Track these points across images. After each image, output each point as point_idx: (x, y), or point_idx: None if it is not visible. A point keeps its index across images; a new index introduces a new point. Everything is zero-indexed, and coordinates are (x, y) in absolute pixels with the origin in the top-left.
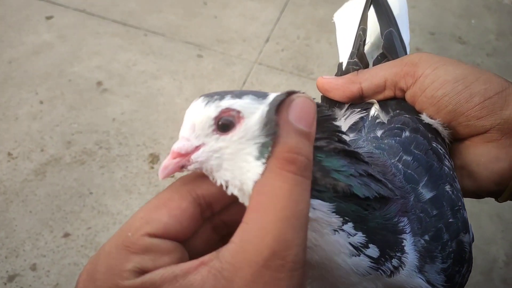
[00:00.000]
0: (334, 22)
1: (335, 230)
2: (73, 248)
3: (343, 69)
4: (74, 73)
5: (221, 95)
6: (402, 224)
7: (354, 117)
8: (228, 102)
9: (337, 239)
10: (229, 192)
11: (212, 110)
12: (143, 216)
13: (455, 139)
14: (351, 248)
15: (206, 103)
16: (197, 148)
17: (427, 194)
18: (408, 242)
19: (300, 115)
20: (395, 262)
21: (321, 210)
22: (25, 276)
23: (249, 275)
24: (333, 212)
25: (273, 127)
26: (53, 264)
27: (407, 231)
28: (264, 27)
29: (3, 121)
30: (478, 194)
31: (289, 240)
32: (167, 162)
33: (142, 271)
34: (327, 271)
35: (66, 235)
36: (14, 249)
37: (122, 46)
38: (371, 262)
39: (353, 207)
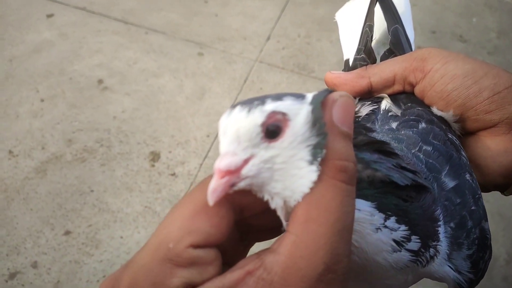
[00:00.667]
0: (336, 21)
1: (377, 228)
2: (74, 246)
3: (350, 65)
4: (75, 71)
5: (260, 99)
6: (437, 212)
7: (365, 109)
8: (272, 106)
9: (379, 237)
10: (273, 205)
11: (258, 116)
12: (182, 226)
13: (463, 133)
14: (394, 244)
15: (248, 110)
16: (245, 161)
17: (450, 183)
18: (441, 230)
19: (344, 116)
20: (431, 251)
21: (365, 210)
22: (26, 273)
23: None
24: (375, 209)
25: (322, 125)
26: (54, 262)
27: (441, 219)
28: (265, 26)
29: (4, 119)
30: (485, 187)
31: (340, 254)
32: (215, 184)
33: (190, 286)
34: (364, 270)
35: (67, 232)
36: (15, 246)
37: (123, 44)
38: (412, 255)
39: (394, 200)
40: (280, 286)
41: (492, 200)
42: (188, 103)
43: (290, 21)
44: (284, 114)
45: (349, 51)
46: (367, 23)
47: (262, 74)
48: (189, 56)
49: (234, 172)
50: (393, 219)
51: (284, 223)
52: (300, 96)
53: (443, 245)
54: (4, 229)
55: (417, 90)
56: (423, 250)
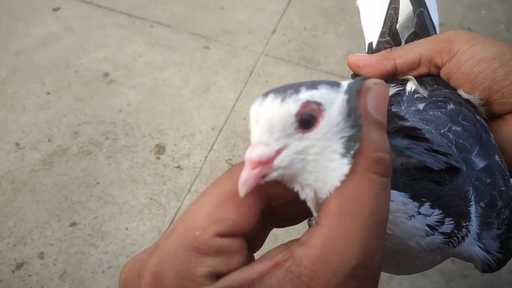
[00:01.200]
0: (357, 5)
1: (411, 216)
2: (80, 237)
3: (374, 48)
4: (81, 64)
5: (294, 88)
6: (469, 193)
7: (391, 91)
8: (306, 95)
9: (413, 224)
10: (303, 196)
11: (292, 105)
12: (209, 214)
13: (489, 117)
14: (427, 229)
15: (282, 99)
16: (278, 152)
17: (480, 163)
18: (472, 210)
19: (378, 104)
20: (463, 231)
21: (398, 200)
22: (33, 264)
23: (334, 284)
24: (408, 198)
25: (357, 116)
26: (60, 253)
27: (472, 199)
28: (271, 18)
29: (11, 112)
30: (509, 171)
31: (374, 249)
32: (246, 174)
33: (216, 275)
34: (397, 253)
35: (73, 224)
36: (22, 237)
37: (128, 38)
38: (445, 238)
39: (428, 185)
40: (309, 280)
41: None
42: (193, 96)
43: (296, 14)
44: (318, 103)
45: (373, 34)
46: (392, 5)
47: (268, 67)
48: (195, 49)
49: (266, 163)
50: (427, 205)
51: (314, 214)
52: (335, 85)
53: (473, 224)
54: (11, 220)
55: (443, 72)
56: (456, 231)
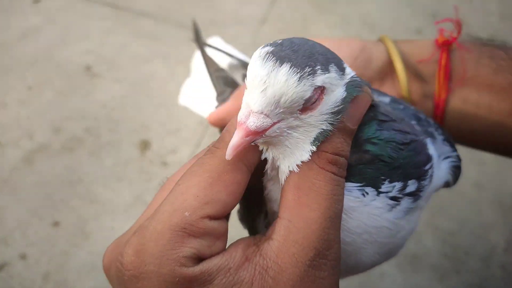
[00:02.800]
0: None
1: (371, 200)
2: (63, 237)
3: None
4: (63, 57)
5: (310, 64)
6: (425, 139)
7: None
8: (321, 79)
9: (374, 204)
10: (271, 168)
11: (308, 89)
12: (200, 195)
13: None
14: (391, 202)
15: (299, 78)
16: (273, 124)
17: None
18: (428, 142)
19: (354, 113)
20: (429, 171)
21: (354, 192)
22: (15, 265)
23: (296, 275)
24: (364, 187)
25: (341, 119)
26: (43, 253)
27: (428, 142)
28: (260, 9)
29: None
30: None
31: (331, 240)
32: (238, 140)
33: (198, 258)
34: (370, 235)
35: (56, 223)
36: (3, 238)
37: (112, 30)
38: (411, 197)
39: (384, 168)
40: (275, 273)
41: (491, 188)
42: (180, 90)
43: (286, 4)
44: (324, 89)
45: (210, 104)
46: (212, 69)
47: None
48: (181, 42)
49: (260, 133)
50: (386, 183)
51: (268, 171)
52: (341, 69)
53: (434, 155)
54: None
55: None
56: (422, 182)
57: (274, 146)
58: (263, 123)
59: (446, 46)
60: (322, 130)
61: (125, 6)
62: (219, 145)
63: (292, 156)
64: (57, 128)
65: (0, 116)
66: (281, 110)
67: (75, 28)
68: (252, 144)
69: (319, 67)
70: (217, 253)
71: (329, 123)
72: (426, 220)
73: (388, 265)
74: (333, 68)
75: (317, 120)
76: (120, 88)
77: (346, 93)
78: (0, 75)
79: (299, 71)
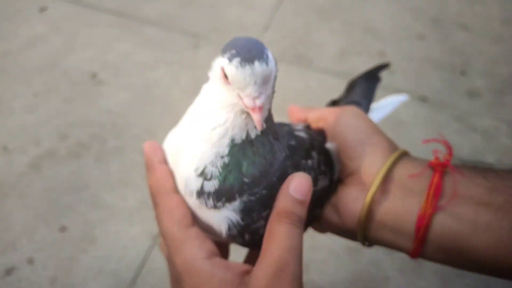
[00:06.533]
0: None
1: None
2: (69, 242)
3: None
4: (69, 65)
5: (262, 53)
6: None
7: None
8: (272, 59)
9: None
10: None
11: (273, 67)
12: (172, 223)
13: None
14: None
15: (266, 63)
16: (266, 96)
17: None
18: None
19: (297, 188)
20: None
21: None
22: (22, 269)
23: (264, 282)
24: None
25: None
26: (50, 258)
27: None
28: (263, 16)
29: None
30: (342, 231)
31: (289, 260)
32: (260, 117)
33: (206, 252)
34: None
35: (63, 228)
36: (11, 242)
37: (117, 37)
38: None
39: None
40: (253, 284)
41: None
42: (184, 96)
43: (289, 11)
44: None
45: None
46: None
47: None
48: (185, 48)
49: (263, 106)
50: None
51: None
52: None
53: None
54: (0, 225)
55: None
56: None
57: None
58: (264, 99)
59: (439, 167)
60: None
61: (130, 14)
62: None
63: (246, 119)
64: (63, 134)
65: (7, 123)
66: (267, 86)
67: (81, 36)
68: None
69: (265, 52)
70: (213, 250)
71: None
72: None
73: (391, 269)
74: (269, 52)
75: (271, 86)
76: (125, 95)
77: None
78: (7, 82)
79: (264, 59)
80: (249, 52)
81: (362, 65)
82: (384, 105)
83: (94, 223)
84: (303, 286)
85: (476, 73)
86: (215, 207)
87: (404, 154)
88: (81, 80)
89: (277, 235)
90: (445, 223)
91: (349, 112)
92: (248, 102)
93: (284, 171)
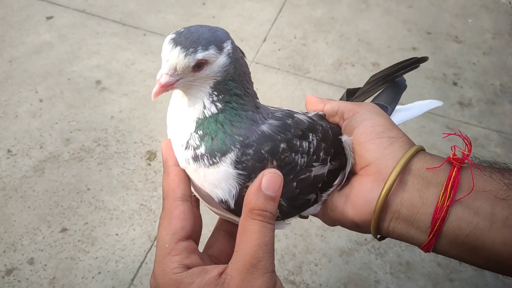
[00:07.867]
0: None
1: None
2: (70, 243)
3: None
4: (74, 72)
5: (193, 47)
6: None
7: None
8: (201, 55)
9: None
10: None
11: (191, 61)
12: (168, 231)
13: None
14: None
15: (186, 55)
16: (177, 80)
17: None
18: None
19: (268, 185)
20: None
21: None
22: (23, 270)
23: (239, 279)
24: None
25: (231, 73)
26: (50, 258)
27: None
28: (262, 27)
29: (3, 119)
30: (354, 222)
31: (260, 256)
32: (157, 89)
33: (185, 266)
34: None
35: (64, 230)
36: (13, 243)
37: (121, 46)
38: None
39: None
40: (227, 281)
41: None
42: None
43: (287, 22)
44: (206, 60)
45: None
46: (371, 83)
47: (258, 75)
48: None
49: (167, 86)
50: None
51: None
52: (220, 48)
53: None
54: (2, 226)
55: (344, 123)
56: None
57: (186, 92)
58: (169, 80)
59: (457, 162)
60: (217, 81)
61: (134, 24)
62: (168, 195)
63: (196, 101)
64: (66, 139)
65: (12, 127)
66: (179, 72)
67: (86, 44)
68: (171, 89)
69: (200, 48)
70: (197, 264)
71: (221, 76)
72: None
73: (382, 273)
74: (212, 47)
75: (207, 75)
76: (128, 101)
77: (230, 59)
78: (13, 88)
79: (185, 51)
80: (184, 38)
81: (356, 75)
82: (413, 108)
83: (94, 225)
84: (276, 276)
85: (468, 83)
86: (213, 163)
87: (422, 150)
88: (85, 86)
89: (249, 232)
90: (462, 216)
91: (368, 108)
92: (157, 75)
93: (275, 144)
